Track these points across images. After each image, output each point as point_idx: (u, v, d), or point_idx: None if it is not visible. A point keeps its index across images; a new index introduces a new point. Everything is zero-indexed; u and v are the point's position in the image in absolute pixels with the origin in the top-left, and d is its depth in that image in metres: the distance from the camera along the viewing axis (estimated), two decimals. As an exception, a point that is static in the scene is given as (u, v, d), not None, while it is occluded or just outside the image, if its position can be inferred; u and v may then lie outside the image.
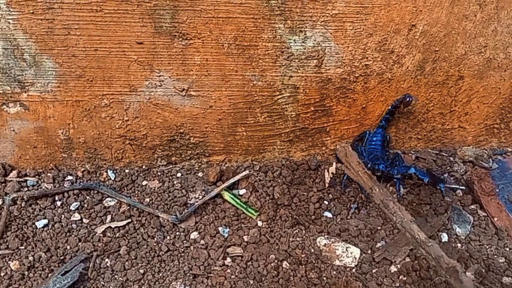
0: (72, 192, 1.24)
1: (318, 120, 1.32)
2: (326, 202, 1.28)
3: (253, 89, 1.23)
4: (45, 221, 1.18)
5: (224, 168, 1.36)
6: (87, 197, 1.24)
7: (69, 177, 1.29)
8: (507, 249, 1.18)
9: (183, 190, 1.29)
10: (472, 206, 1.29)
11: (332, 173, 1.34)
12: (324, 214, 1.25)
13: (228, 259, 1.13)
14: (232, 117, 1.27)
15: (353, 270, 1.11)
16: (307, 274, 1.09)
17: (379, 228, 1.21)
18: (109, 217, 1.21)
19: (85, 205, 1.23)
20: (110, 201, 1.25)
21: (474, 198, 1.30)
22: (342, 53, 1.19)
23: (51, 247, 1.12)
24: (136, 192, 1.28)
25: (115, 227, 1.18)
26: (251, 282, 1.07)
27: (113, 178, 1.30)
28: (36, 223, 1.17)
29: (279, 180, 1.32)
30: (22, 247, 1.11)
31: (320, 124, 1.33)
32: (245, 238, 1.17)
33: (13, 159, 1.27)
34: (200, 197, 1.27)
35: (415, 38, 1.20)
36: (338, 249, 1.15)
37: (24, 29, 1.05)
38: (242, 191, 1.30)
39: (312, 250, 1.15)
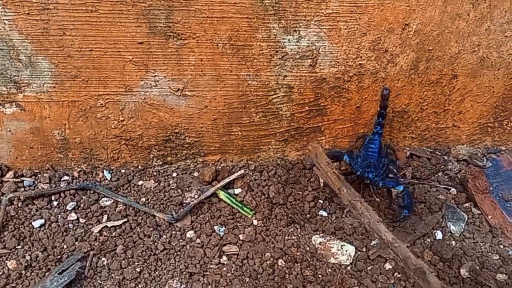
0: (69, 192, 1.25)
1: (313, 119, 1.33)
2: (321, 201, 1.28)
3: (248, 89, 1.23)
4: (42, 221, 1.18)
5: (220, 167, 1.36)
6: (84, 197, 1.25)
7: (66, 177, 1.29)
8: (501, 246, 1.19)
9: (179, 190, 1.30)
10: (466, 204, 1.30)
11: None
12: (319, 213, 1.26)
13: (224, 258, 1.13)
14: (227, 117, 1.28)
15: (348, 268, 1.12)
16: (302, 271, 1.10)
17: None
18: (105, 217, 1.21)
19: (82, 205, 1.23)
20: (106, 201, 1.25)
21: (468, 196, 1.31)
22: (336, 52, 1.20)
23: (48, 247, 1.12)
24: (132, 192, 1.29)
25: (112, 226, 1.19)
26: (247, 280, 1.07)
27: (109, 178, 1.31)
28: (33, 223, 1.17)
29: (274, 180, 1.32)
30: (19, 247, 1.12)
31: (314, 124, 1.34)
32: (241, 236, 1.18)
33: (9, 159, 1.28)
34: (196, 196, 1.28)
35: (408, 37, 1.21)
36: (333, 247, 1.15)
37: (20, 30, 1.05)
38: (237, 191, 1.31)
39: (308, 248, 1.15)
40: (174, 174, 1.35)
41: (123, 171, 1.33)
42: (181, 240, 1.17)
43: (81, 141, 1.26)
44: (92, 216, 1.21)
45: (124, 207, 1.23)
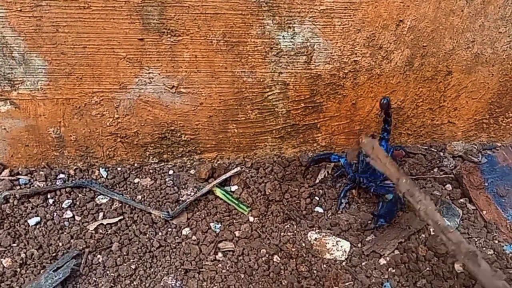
0: (64, 190, 1.25)
1: (309, 116, 1.33)
2: (317, 198, 1.29)
3: (243, 85, 1.23)
4: (38, 219, 1.18)
5: (216, 165, 1.36)
6: (79, 195, 1.25)
7: (61, 175, 1.29)
8: (496, 241, 1.20)
9: (175, 187, 1.30)
10: (461, 200, 1.30)
11: (328, 171, 1.35)
12: (315, 209, 1.26)
13: (220, 254, 1.13)
14: (223, 114, 1.28)
15: (343, 263, 1.12)
16: (297, 267, 1.10)
17: (369, 222, 1.22)
18: (101, 214, 1.21)
19: (77, 203, 1.23)
20: (102, 198, 1.25)
21: (463, 192, 1.32)
22: (331, 49, 1.20)
23: (43, 244, 1.12)
24: (128, 189, 1.29)
25: (107, 224, 1.19)
26: (242, 276, 1.08)
27: (105, 176, 1.31)
28: (29, 221, 1.17)
29: (271, 177, 1.32)
30: (15, 245, 1.12)
31: (310, 121, 1.34)
32: (237, 233, 1.18)
33: (5, 157, 1.27)
34: (192, 193, 1.28)
35: (403, 34, 1.21)
36: (328, 243, 1.16)
37: (13, 27, 1.05)
38: (233, 188, 1.31)
39: (303, 244, 1.16)
40: (171, 172, 1.35)
41: (119, 168, 1.33)
42: (176, 237, 1.17)
43: (76, 138, 1.26)
44: (87, 213, 1.21)
45: (120, 204, 1.23)
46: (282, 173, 1.34)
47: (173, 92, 1.21)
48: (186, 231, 1.19)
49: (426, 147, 1.46)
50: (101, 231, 1.17)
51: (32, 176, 1.28)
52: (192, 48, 1.14)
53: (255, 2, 1.08)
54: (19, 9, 1.02)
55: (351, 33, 1.18)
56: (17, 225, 1.16)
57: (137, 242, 1.15)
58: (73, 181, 1.28)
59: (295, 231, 1.19)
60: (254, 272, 1.08)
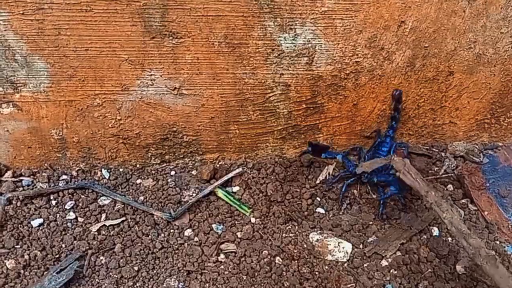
0: (67, 191, 1.26)
1: (310, 117, 1.33)
2: (318, 199, 1.29)
3: (244, 87, 1.24)
4: (41, 220, 1.19)
5: (218, 166, 1.37)
6: (82, 196, 1.25)
7: (64, 177, 1.30)
8: (497, 242, 1.20)
9: (177, 188, 1.30)
10: (463, 201, 1.30)
11: (329, 172, 1.35)
12: (317, 210, 1.26)
13: (222, 256, 1.14)
14: (225, 115, 1.28)
15: (345, 265, 1.12)
16: (299, 269, 1.10)
17: (370, 223, 1.22)
18: (103, 216, 1.22)
19: (80, 204, 1.24)
20: (104, 199, 1.26)
21: (465, 193, 1.32)
22: (332, 50, 1.20)
23: (46, 246, 1.13)
24: (131, 190, 1.29)
25: (110, 225, 1.19)
26: (244, 277, 1.08)
27: (107, 177, 1.31)
28: (32, 222, 1.18)
29: (272, 177, 1.33)
30: (18, 246, 1.13)
31: (312, 121, 1.34)
32: (239, 234, 1.19)
33: (8, 159, 1.28)
34: (194, 194, 1.28)
35: (404, 35, 1.21)
36: (330, 244, 1.16)
37: (15, 30, 1.05)
38: (235, 189, 1.31)
39: (305, 246, 1.16)
40: (172, 173, 1.35)
41: (121, 169, 1.33)
42: (179, 239, 1.17)
43: (79, 140, 1.27)
44: (90, 215, 1.22)
45: (123, 205, 1.24)
46: (283, 174, 1.34)
47: (175, 93, 1.22)
48: (188, 232, 1.20)
49: (428, 147, 1.46)
50: (103, 232, 1.18)
51: (35, 177, 1.29)
52: (194, 50, 1.14)
53: (256, 4, 1.08)
54: (21, 12, 1.02)
55: (352, 34, 1.18)
56: (20, 226, 1.17)
57: (139, 244, 1.15)
58: (76, 182, 1.28)
59: (296, 232, 1.20)
60: (256, 274, 1.09)
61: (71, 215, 1.21)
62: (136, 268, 1.10)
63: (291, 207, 1.26)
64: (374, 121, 1.38)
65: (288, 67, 1.22)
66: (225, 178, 1.31)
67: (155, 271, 1.10)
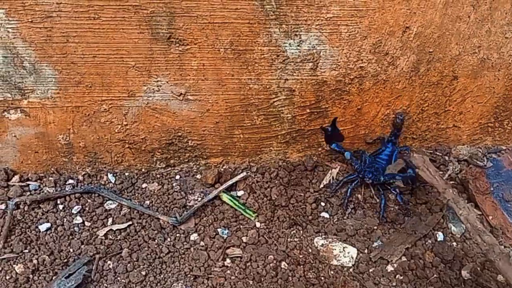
0: (74, 196, 1.27)
1: (314, 121, 1.34)
2: (323, 203, 1.30)
3: (249, 92, 1.24)
4: (48, 225, 1.20)
5: (222, 170, 1.38)
6: (89, 201, 1.27)
7: (71, 181, 1.31)
8: (502, 247, 1.20)
9: (182, 192, 1.31)
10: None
11: (333, 176, 1.36)
12: (321, 215, 1.27)
13: (228, 260, 1.15)
14: (229, 120, 1.29)
15: (351, 270, 1.13)
16: (305, 274, 1.11)
17: (375, 228, 1.23)
18: (110, 220, 1.23)
19: (87, 208, 1.25)
20: (111, 204, 1.27)
21: (469, 197, 1.32)
22: (337, 55, 1.21)
23: (54, 250, 1.14)
24: (136, 194, 1.30)
25: (117, 229, 1.20)
26: (251, 282, 1.09)
27: (113, 181, 1.33)
28: (39, 227, 1.19)
29: (276, 181, 1.34)
30: (26, 251, 1.14)
31: (316, 126, 1.35)
32: (244, 239, 1.20)
33: (15, 164, 1.29)
34: (199, 199, 1.29)
35: (409, 40, 1.21)
36: (335, 249, 1.17)
37: (24, 38, 1.06)
38: (240, 193, 1.32)
39: (310, 250, 1.17)
40: (177, 177, 1.36)
41: (127, 174, 1.34)
42: (185, 243, 1.18)
43: (85, 145, 1.28)
44: (97, 219, 1.23)
45: (129, 210, 1.25)
46: (287, 178, 1.35)
47: (181, 99, 1.23)
48: (194, 236, 1.21)
49: (431, 151, 1.46)
50: (110, 236, 1.19)
51: (42, 182, 1.30)
52: (200, 56, 1.15)
53: (262, 11, 1.09)
54: (30, 20, 1.03)
55: (357, 40, 1.19)
56: (28, 231, 1.18)
57: (146, 248, 1.16)
58: (82, 187, 1.29)
59: (301, 237, 1.21)
60: (262, 279, 1.10)
61: (78, 220, 1.22)
62: (143, 273, 1.11)
63: (295, 211, 1.27)
64: (378, 125, 1.39)
65: (293, 73, 1.23)
66: (230, 182, 1.32)
67: (162, 276, 1.11)
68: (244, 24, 1.11)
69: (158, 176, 1.36)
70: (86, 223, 1.22)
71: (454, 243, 1.20)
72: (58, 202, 1.26)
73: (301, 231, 1.22)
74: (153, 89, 1.19)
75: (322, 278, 1.10)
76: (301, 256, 1.15)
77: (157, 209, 1.26)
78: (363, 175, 1.27)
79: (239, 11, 1.08)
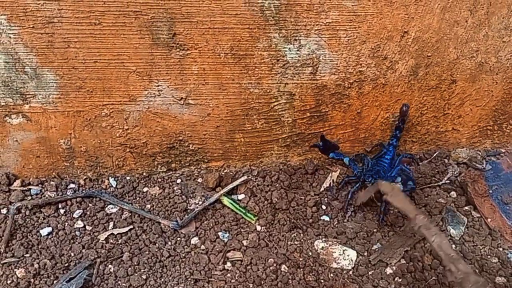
0: (75, 200, 1.27)
1: (314, 125, 1.35)
2: (323, 206, 1.31)
3: (250, 96, 1.25)
4: (49, 229, 1.21)
5: (223, 173, 1.38)
6: (90, 205, 1.27)
7: (72, 185, 1.32)
8: (500, 249, 1.21)
9: (183, 196, 1.32)
10: (466, 208, 1.32)
11: (333, 180, 1.37)
12: (322, 218, 1.28)
13: (228, 264, 1.16)
14: (230, 124, 1.30)
15: (350, 273, 1.14)
16: (305, 277, 1.12)
17: (375, 230, 1.24)
18: (111, 224, 1.24)
19: (88, 213, 1.25)
20: (112, 208, 1.28)
21: (468, 200, 1.33)
22: (336, 60, 1.22)
23: (55, 255, 1.15)
24: (137, 198, 1.31)
25: (118, 233, 1.21)
26: (251, 286, 1.10)
27: (114, 186, 1.33)
28: (41, 231, 1.20)
29: (277, 185, 1.34)
30: (28, 255, 1.14)
31: (316, 129, 1.36)
32: (245, 242, 1.20)
33: (16, 168, 1.30)
34: (200, 202, 1.30)
35: (407, 44, 1.23)
36: (335, 252, 1.18)
37: (25, 43, 1.07)
38: (241, 196, 1.33)
39: (310, 253, 1.18)
40: (179, 181, 1.37)
41: (128, 178, 1.35)
42: (186, 247, 1.19)
43: (86, 149, 1.29)
44: (98, 223, 1.24)
45: (130, 214, 1.26)
46: (288, 181, 1.36)
47: (182, 103, 1.23)
48: (194, 240, 1.21)
49: (431, 154, 1.47)
50: (111, 240, 1.19)
51: (43, 186, 1.31)
52: (200, 61, 1.16)
53: (262, 17, 1.10)
54: (31, 26, 1.04)
55: (356, 44, 1.20)
56: (29, 235, 1.19)
57: (147, 252, 1.17)
58: (83, 191, 1.30)
59: (302, 240, 1.21)
60: (262, 282, 1.11)
61: (79, 224, 1.23)
62: (144, 277, 1.11)
63: (296, 214, 1.27)
64: (378, 128, 1.40)
65: (293, 77, 1.24)
66: (231, 186, 1.32)
67: (162, 280, 1.11)
68: (244, 29, 1.12)
69: (159, 180, 1.37)
70: (87, 227, 1.23)
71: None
72: (60, 206, 1.27)
73: (302, 234, 1.23)
74: (154, 93, 1.20)
75: (322, 281, 1.11)
76: (301, 259, 1.16)
77: (158, 213, 1.27)
78: (364, 178, 1.27)
79: (239, 16, 1.09)
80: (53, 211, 1.25)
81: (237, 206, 1.29)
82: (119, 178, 1.35)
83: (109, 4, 1.04)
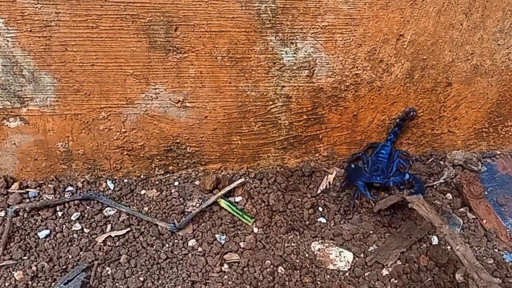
0: (73, 203, 1.28)
1: (311, 128, 1.36)
2: (320, 208, 1.31)
3: (246, 99, 1.26)
4: (47, 232, 1.21)
5: (220, 176, 1.39)
6: (87, 207, 1.28)
7: (70, 188, 1.32)
8: (496, 250, 1.22)
9: (181, 199, 1.32)
10: (462, 209, 1.33)
11: (329, 182, 1.38)
12: (318, 220, 1.28)
13: (225, 266, 1.16)
14: (227, 127, 1.31)
15: (346, 274, 1.14)
16: (301, 278, 1.12)
17: (371, 232, 1.25)
18: (109, 226, 1.24)
19: (86, 215, 1.26)
20: (109, 210, 1.28)
21: (464, 201, 1.34)
22: (332, 63, 1.23)
23: (53, 257, 1.15)
24: (135, 201, 1.32)
25: (115, 236, 1.21)
26: (248, 287, 1.10)
27: (112, 188, 1.34)
28: (39, 234, 1.20)
29: (274, 187, 1.35)
30: (26, 258, 1.15)
31: (313, 132, 1.37)
32: (242, 244, 1.21)
33: (14, 171, 1.30)
34: (197, 205, 1.31)
35: (403, 47, 1.24)
36: (331, 254, 1.18)
37: (23, 47, 1.08)
38: (238, 199, 1.33)
39: (307, 255, 1.18)
40: (176, 183, 1.37)
41: (125, 180, 1.36)
42: (183, 249, 1.19)
43: (84, 152, 1.29)
44: (96, 226, 1.24)
45: (127, 216, 1.26)
46: (285, 184, 1.36)
47: (179, 106, 1.24)
48: (192, 242, 1.22)
49: (427, 156, 1.48)
50: (109, 243, 1.20)
51: (41, 189, 1.31)
52: (197, 64, 1.16)
53: (258, 20, 1.11)
54: (29, 29, 1.05)
55: (352, 47, 1.21)
56: (27, 238, 1.19)
57: (144, 254, 1.17)
58: (81, 194, 1.30)
59: (298, 242, 1.22)
60: (259, 284, 1.11)
61: (77, 226, 1.23)
62: (141, 279, 1.12)
63: (292, 216, 1.28)
64: (374, 131, 1.41)
65: (289, 80, 1.24)
66: (228, 188, 1.33)
67: (160, 282, 1.12)
68: (241, 33, 1.13)
69: (157, 182, 1.37)
70: (85, 230, 1.23)
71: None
72: (57, 209, 1.27)
73: (298, 236, 1.23)
74: (151, 96, 1.21)
75: (318, 282, 1.12)
76: (298, 260, 1.16)
77: (155, 216, 1.27)
78: (372, 179, 1.28)
79: (235, 19, 1.10)
80: (51, 214, 1.25)
81: (234, 208, 1.29)
82: (116, 180, 1.35)
83: (106, 8, 1.04)
